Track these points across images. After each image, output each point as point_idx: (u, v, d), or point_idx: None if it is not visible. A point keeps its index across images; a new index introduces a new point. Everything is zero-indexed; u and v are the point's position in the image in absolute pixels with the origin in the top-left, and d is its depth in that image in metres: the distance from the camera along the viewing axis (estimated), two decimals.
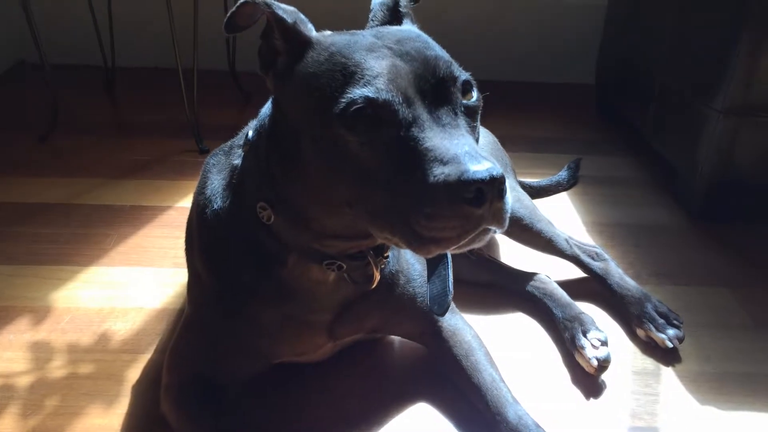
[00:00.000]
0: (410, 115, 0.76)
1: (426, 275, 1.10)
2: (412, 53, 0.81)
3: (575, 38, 2.71)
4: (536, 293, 1.41)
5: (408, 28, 0.93)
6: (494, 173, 0.70)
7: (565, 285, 1.44)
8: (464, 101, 0.82)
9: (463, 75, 0.83)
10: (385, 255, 0.99)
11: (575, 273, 1.49)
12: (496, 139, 1.59)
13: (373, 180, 0.77)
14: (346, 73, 0.78)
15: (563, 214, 1.79)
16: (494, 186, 0.71)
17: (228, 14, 0.88)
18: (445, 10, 2.64)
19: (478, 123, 0.87)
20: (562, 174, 1.94)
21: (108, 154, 2.04)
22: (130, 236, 1.61)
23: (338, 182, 0.81)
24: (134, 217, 1.69)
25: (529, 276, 1.45)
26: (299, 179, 0.86)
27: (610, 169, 2.07)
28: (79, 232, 1.61)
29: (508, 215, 0.76)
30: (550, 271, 1.49)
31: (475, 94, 0.85)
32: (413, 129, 0.76)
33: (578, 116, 2.49)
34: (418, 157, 0.74)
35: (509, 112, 2.44)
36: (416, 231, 0.74)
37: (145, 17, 2.48)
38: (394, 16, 0.97)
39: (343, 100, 0.76)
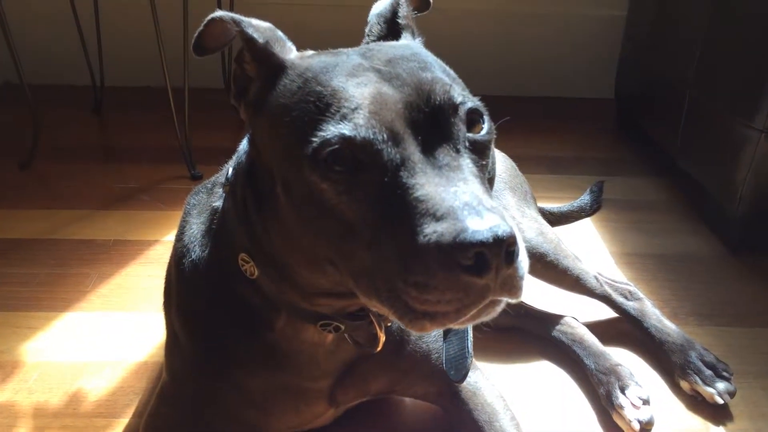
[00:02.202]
0: (398, 155, 0.61)
1: (442, 331, 0.96)
2: (403, 76, 0.66)
3: (592, 50, 2.57)
4: (564, 339, 1.25)
5: (404, 43, 0.78)
6: (499, 233, 0.55)
7: (595, 327, 1.30)
8: (470, 135, 0.67)
9: (469, 101, 0.68)
10: None
11: (605, 312, 1.34)
12: (513, 164, 1.44)
13: (355, 236, 0.63)
14: (321, 104, 0.64)
15: (588, 244, 1.64)
16: (500, 249, 0.55)
17: (195, 34, 0.75)
18: (456, 24, 2.51)
19: (491, 160, 0.71)
20: (585, 198, 1.79)
21: (93, 181, 1.90)
22: (111, 276, 1.46)
23: (315, 237, 0.67)
24: (118, 253, 1.55)
25: (556, 319, 1.29)
26: (276, 230, 0.72)
27: (636, 191, 1.92)
28: (56, 271, 1.46)
29: (524, 281, 0.61)
30: (577, 311, 1.34)
31: (485, 126, 0.69)
32: (401, 173, 0.61)
33: (597, 133, 2.35)
34: (406, 210, 0.59)
35: (523, 129, 2.29)
36: (407, 303, 0.59)
37: (134, 34, 2.34)
38: (391, 29, 0.82)
39: (315, 140, 0.62)
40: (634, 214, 1.78)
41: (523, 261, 0.60)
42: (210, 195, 0.93)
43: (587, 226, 1.73)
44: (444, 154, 0.63)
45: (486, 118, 0.70)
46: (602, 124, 2.41)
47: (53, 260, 1.51)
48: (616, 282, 1.34)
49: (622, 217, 1.77)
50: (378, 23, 0.83)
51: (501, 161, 1.40)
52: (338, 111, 0.63)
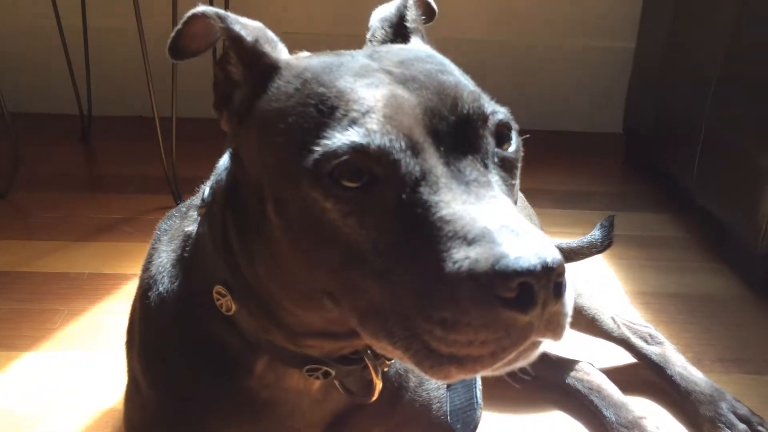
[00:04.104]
0: (417, 168, 0.52)
1: None
2: (420, 78, 0.57)
3: (598, 84, 2.49)
4: (580, 387, 1.13)
5: (416, 46, 0.70)
6: (549, 260, 0.46)
7: (613, 373, 1.18)
8: (498, 150, 0.58)
9: (499, 112, 0.59)
10: None
11: (623, 357, 1.23)
12: (522, 196, 1.34)
13: (363, 265, 0.52)
14: (324, 108, 0.54)
15: (601, 282, 1.53)
16: (549, 280, 0.46)
17: (173, 32, 0.65)
18: (460, 55, 2.43)
19: (518, 181, 0.62)
20: (596, 234, 1.66)
21: (74, 211, 1.79)
22: (83, 312, 1.34)
23: (313, 266, 0.56)
24: (92, 287, 1.43)
25: (569, 364, 1.17)
26: (263, 257, 0.62)
27: (649, 227, 1.81)
28: (23, 307, 1.35)
29: (569, 319, 0.51)
30: (593, 355, 1.23)
31: (514, 142, 0.60)
32: (422, 189, 0.51)
33: (605, 168, 2.27)
34: (429, 233, 0.50)
35: (529, 163, 2.18)
36: (428, 344, 0.49)
37: (123, 63, 2.27)
38: (398, 35, 0.73)
39: (318, 149, 0.52)
40: (648, 252, 1.68)
41: (570, 295, 0.50)
42: (184, 219, 0.83)
43: (599, 263, 1.62)
44: (471, 168, 0.54)
45: (515, 133, 0.61)
46: (610, 158, 2.33)
47: (22, 294, 1.39)
48: (634, 324, 1.23)
49: (636, 254, 1.66)
50: (382, 28, 0.74)
51: None
52: (346, 115, 0.53)
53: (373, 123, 0.52)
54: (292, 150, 0.54)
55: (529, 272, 0.45)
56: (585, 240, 1.64)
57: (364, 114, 0.53)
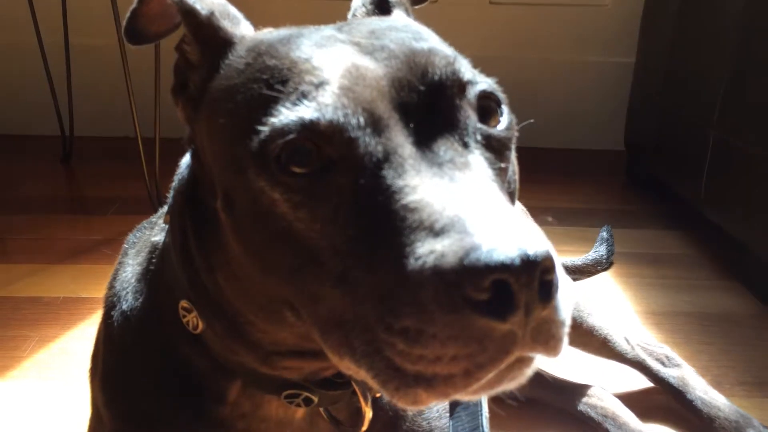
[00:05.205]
0: (380, 148, 0.44)
1: (448, 404, 0.76)
2: (390, 47, 0.49)
3: (598, 99, 2.44)
4: (593, 414, 1.05)
5: (394, 17, 0.62)
6: (531, 252, 0.37)
7: (628, 398, 1.10)
8: (483, 126, 0.49)
9: (482, 82, 0.50)
10: None
11: (639, 381, 1.15)
12: (524, 208, 1.26)
13: (321, 266, 0.44)
14: (275, 81, 0.46)
15: (609, 302, 1.45)
16: (532, 276, 0.37)
17: (129, 12, 0.58)
18: None
19: (512, 164, 0.53)
20: (600, 250, 1.59)
21: (54, 233, 1.72)
22: (54, 339, 1.26)
23: (267, 270, 0.48)
24: (66, 312, 1.34)
25: (581, 389, 1.09)
26: (220, 264, 0.54)
27: (656, 244, 1.74)
28: None
29: (566, 329, 0.42)
30: (606, 378, 1.15)
31: (504, 118, 0.51)
32: (384, 172, 0.43)
33: (606, 185, 2.22)
34: (391, 224, 0.42)
35: (530, 180, 2.12)
36: (392, 361, 0.41)
37: (107, 81, 2.20)
38: (381, 10, 0.65)
39: (264, 129, 0.44)
40: (657, 269, 1.60)
41: (565, 298, 0.41)
42: (153, 229, 0.74)
43: (607, 282, 1.54)
44: (446, 148, 0.45)
45: (505, 108, 0.52)
46: (611, 175, 2.28)
47: None
48: (649, 345, 1.14)
49: (645, 272, 1.58)
50: (363, 5, 0.66)
51: None
52: (297, 88, 0.45)
53: (327, 96, 0.44)
54: (238, 132, 0.46)
55: (504, 267, 0.36)
56: (590, 257, 1.57)
57: (318, 86, 0.45)
